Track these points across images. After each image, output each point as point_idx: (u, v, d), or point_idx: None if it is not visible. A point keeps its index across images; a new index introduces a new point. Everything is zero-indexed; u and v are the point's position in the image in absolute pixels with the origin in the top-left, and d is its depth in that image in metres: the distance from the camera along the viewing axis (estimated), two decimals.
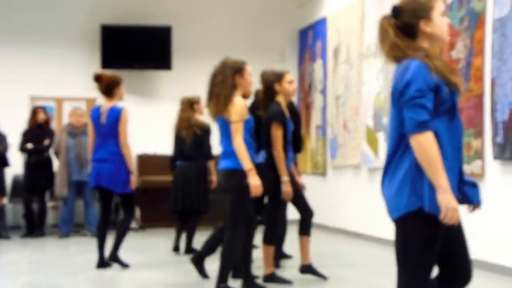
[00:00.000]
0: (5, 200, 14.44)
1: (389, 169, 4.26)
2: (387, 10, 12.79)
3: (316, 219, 9.58)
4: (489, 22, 9.62)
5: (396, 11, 4.32)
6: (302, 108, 16.24)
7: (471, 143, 9.94)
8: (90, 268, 10.10)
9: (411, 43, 4.27)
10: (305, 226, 8.76)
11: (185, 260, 10.89)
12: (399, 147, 4.21)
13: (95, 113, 10.15)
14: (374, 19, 12.88)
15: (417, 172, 4.08)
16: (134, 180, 10.17)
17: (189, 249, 11.58)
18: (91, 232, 13.99)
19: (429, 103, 4.05)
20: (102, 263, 9.95)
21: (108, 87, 10.11)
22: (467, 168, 10.01)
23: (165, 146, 15.44)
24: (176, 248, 11.87)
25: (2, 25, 15.68)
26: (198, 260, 8.97)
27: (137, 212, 15.52)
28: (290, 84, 8.75)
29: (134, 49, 16.08)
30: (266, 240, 8.54)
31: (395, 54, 4.27)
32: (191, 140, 11.30)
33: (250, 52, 16.48)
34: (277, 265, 9.12)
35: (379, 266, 10.18)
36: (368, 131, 13.10)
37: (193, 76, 15.62)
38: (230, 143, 7.57)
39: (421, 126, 4.03)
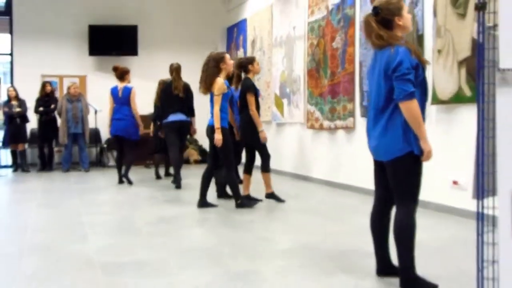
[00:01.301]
0: (26, 146, 14.42)
1: (378, 123, 4.27)
2: (288, 15, 12.80)
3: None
4: (357, 22, 9.70)
5: (376, 11, 4.27)
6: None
7: (347, 106, 10.01)
8: (83, 192, 10.16)
9: (391, 34, 4.23)
10: (266, 166, 8.67)
11: (155, 183, 11.03)
12: (388, 107, 4.20)
13: (115, 90, 11.44)
14: (279, 20, 12.96)
15: (407, 126, 4.11)
16: (142, 129, 11.68)
17: (168, 174, 12.60)
18: (84, 168, 14.12)
19: (413, 78, 4.07)
20: (121, 181, 11.37)
21: (121, 74, 11.50)
22: (343, 123, 10.22)
23: None
24: (158, 176, 12.36)
25: (22, 25, 15.45)
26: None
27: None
28: (258, 65, 8.99)
29: (111, 41, 15.80)
30: (264, 169, 8.69)
31: (380, 42, 4.23)
32: None
33: (192, 44, 16.62)
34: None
35: (285, 187, 10.39)
36: (276, 98, 13.10)
37: (153, 60, 15.72)
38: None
39: (410, 95, 4.04)
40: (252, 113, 8.53)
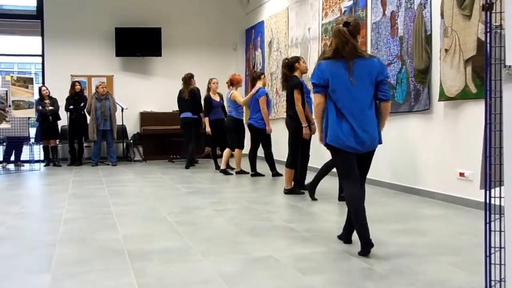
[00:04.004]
0: (57, 142, 14.53)
1: (369, 118, 4.69)
2: (303, 17, 12.78)
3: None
4: (369, 24, 9.70)
5: (348, 25, 4.70)
6: (249, 81, 15.95)
7: None
8: (111, 185, 10.20)
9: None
10: (292, 162, 8.67)
11: (180, 175, 11.04)
12: (372, 105, 4.71)
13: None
14: (295, 22, 12.96)
15: (378, 121, 4.81)
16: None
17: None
18: (111, 162, 14.16)
19: None
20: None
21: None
22: None
23: (158, 105, 15.53)
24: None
25: (52, 28, 15.53)
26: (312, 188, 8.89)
27: (141, 149, 15.57)
28: (304, 63, 8.92)
29: (136, 42, 15.80)
30: (289, 165, 8.67)
31: (357, 53, 4.68)
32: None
33: (213, 44, 16.66)
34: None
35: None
36: None
37: (176, 61, 15.78)
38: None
39: (390, 96, 4.83)
40: (297, 108, 8.43)
